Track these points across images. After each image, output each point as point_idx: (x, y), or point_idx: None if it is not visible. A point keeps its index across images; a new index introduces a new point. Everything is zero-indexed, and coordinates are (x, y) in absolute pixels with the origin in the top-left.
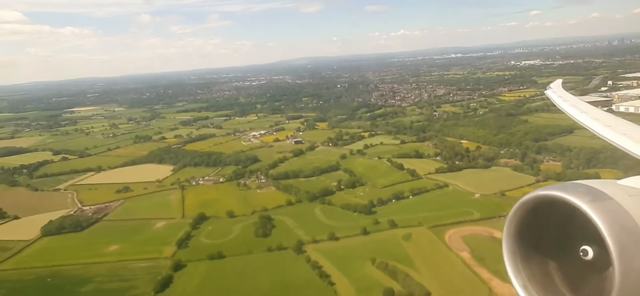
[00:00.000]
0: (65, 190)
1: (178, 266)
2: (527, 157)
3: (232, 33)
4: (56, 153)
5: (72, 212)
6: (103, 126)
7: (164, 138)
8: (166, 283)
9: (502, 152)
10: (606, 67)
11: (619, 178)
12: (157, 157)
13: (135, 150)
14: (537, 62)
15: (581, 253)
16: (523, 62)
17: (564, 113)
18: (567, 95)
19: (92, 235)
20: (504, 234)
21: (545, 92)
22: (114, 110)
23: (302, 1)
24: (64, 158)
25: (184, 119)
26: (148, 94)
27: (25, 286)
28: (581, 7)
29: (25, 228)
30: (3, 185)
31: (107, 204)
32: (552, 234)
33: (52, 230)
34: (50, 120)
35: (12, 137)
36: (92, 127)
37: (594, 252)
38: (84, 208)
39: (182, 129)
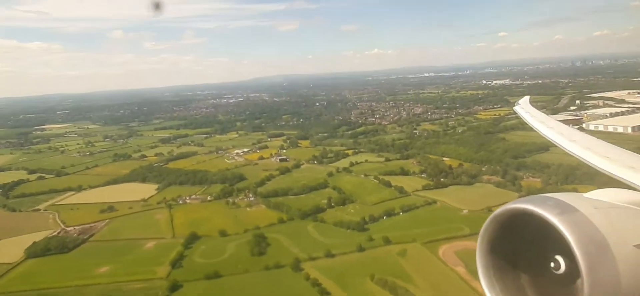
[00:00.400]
0: (45, 210)
1: (174, 287)
2: (508, 174)
3: (207, 50)
4: (31, 172)
5: (56, 233)
6: (78, 144)
7: (144, 156)
8: None
9: (483, 169)
10: (572, 87)
11: None
12: (139, 176)
13: (116, 169)
14: (507, 81)
15: (552, 266)
16: (494, 82)
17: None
18: (535, 111)
19: (80, 256)
20: (478, 248)
21: (514, 108)
22: (87, 128)
23: (278, 20)
24: (41, 178)
25: (162, 137)
26: (122, 111)
27: None
28: (545, 30)
29: (8, 250)
30: None
31: (91, 224)
32: (525, 247)
33: (37, 251)
34: (21, 137)
35: None
36: (67, 145)
37: (563, 264)
38: (68, 228)
39: (162, 147)
